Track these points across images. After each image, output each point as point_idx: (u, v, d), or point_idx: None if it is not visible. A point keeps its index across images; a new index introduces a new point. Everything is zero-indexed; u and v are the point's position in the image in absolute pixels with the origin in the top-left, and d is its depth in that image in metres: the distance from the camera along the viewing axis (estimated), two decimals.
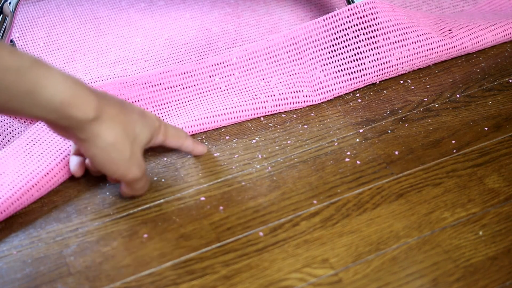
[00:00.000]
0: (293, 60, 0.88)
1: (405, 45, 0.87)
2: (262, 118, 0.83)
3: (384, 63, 0.87)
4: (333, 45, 0.87)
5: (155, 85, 0.84)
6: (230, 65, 0.87)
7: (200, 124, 0.80)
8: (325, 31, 0.88)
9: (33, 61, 0.58)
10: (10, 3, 0.82)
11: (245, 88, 0.85)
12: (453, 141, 0.80)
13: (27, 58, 0.58)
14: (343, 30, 0.87)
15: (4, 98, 0.58)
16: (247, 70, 0.87)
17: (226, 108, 0.82)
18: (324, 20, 0.88)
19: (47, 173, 0.72)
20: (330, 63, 0.87)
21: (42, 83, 0.58)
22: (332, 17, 0.87)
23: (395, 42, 0.87)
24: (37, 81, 0.58)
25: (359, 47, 0.87)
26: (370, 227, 0.70)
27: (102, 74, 0.90)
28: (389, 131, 0.81)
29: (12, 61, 0.57)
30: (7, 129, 0.78)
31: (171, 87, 0.85)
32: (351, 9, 0.87)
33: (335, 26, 0.87)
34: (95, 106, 0.62)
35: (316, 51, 0.88)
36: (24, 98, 0.58)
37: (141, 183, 0.70)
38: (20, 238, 0.69)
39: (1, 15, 0.82)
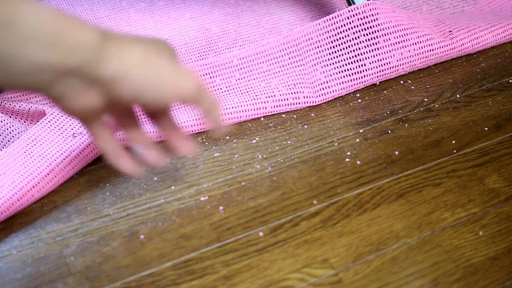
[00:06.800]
0: (293, 62, 0.88)
1: (405, 46, 0.87)
2: (262, 118, 0.83)
3: (384, 64, 0.87)
4: (333, 47, 0.87)
5: None
6: (231, 66, 0.87)
7: (200, 124, 0.81)
8: (325, 33, 0.88)
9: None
10: None
11: (246, 89, 0.86)
12: (453, 141, 0.80)
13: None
14: (343, 31, 0.87)
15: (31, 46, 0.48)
16: (248, 71, 0.87)
17: (227, 108, 0.82)
18: (324, 22, 0.88)
19: (48, 174, 0.72)
20: (330, 64, 0.87)
21: (73, 29, 0.50)
22: (332, 18, 0.87)
23: (396, 43, 0.87)
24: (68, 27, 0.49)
25: (359, 48, 0.87)
26: (370, 227, 0.70)
27: None
28: (389, 131, 0.81)
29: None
30: (7, 129, 0.78)
31: None
32: (352, 10, 0.87)
33: (336, 28, 0.87)
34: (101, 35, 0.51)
35: (316, 53, 0.88)
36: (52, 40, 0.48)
37: (209, 100, 0.55)
38: (20, 238, 0.69)
39: None
